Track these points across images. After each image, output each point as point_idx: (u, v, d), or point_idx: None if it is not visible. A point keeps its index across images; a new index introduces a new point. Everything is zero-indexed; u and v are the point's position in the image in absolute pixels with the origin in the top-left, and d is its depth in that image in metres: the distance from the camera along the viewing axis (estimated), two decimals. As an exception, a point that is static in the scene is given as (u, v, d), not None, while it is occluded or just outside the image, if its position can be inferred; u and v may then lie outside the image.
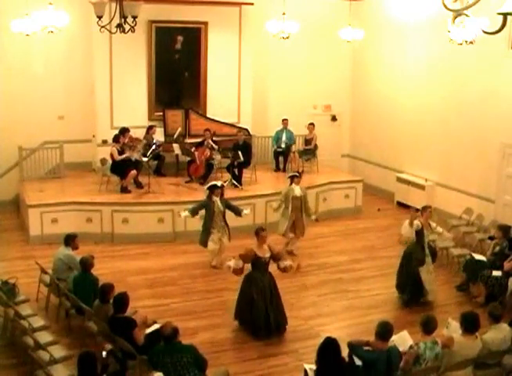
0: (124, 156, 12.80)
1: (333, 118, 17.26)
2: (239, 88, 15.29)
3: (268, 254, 8.58)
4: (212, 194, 10.69)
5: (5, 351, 7.79)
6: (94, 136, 14.49)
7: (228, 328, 8.70)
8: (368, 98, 16.60)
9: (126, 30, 7.98)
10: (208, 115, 14.91)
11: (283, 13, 13.75)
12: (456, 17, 4.84)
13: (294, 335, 8.56)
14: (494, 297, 9.16)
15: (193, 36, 14.71)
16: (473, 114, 12.84)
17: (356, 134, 17.30)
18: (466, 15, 4.65)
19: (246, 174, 13.92)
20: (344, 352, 6.46)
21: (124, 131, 13.22)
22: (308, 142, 15.33)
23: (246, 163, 13.79)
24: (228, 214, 10.99)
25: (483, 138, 12.59)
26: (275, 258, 8.70)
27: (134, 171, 12.86)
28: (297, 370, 7.26)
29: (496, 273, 9.46)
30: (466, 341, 6.57)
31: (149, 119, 14.61)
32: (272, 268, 8.81)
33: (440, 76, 13.84)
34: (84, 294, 7.98)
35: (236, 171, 13.53)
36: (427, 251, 9.58)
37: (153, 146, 13.16)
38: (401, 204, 14.93)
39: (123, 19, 7.94)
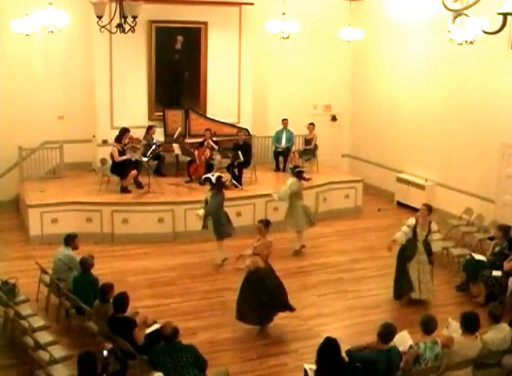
0: (124, 158, 12.79)
1: (333, 118, 17.26)
2: (239, 88, 15.29)
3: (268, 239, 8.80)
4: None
5: (5, 351, 7.79)
6: (94, 136, 14.49)
7: (228, 328, 8.70)
8: (368, 98, 16.60)
9: (126, 30, 7.98)
10: (208, 115, 14.91)
11: (283, 13, 13.76)
12: (456, 17, 4.84)
13: (294, 335, 8.57)
14: (494, 297, 9.14)
15: (193, 36, 14.71)
16: (473, 114, 12.84)
17: (356, 134, 17.30)
18: (466, 15, 4.65)
19: (246, 174, 13.93)
20: (344, 352, 6.46)
21: (124, 131, 13.22)
22: (308, 142, 15.33)
23: (247, 163, 13.79)
24: (230, 213, 11.14)
25: (483, 138, 12.59)
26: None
27: (134, 171, 12.86)
28: (297, 370, 7.26)
29: (496, 273, 9.45)
30: (466, 341, 6.57)
31: (149, 119, 14.61)
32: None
33: (440, 76, 13.84)
34: (84, 294, 7.98)
35: (236, 171, 13.52)
36: (421, 249, 9.51)
37: (153, 146, 13.16)
38: (401, 204, 14.93)
39: (123, 19, 7.94)
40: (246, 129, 14.84)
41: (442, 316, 7.88)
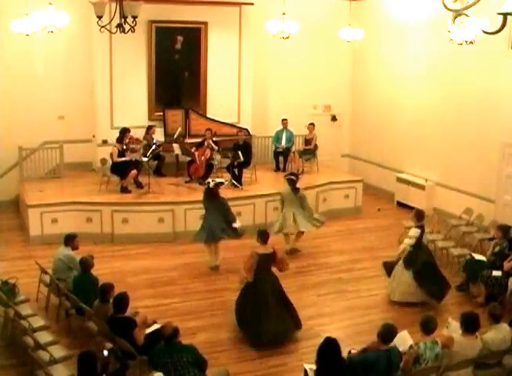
0: (123, 159, 12.79)
1: (333, 118, 17.26)
2: (239, 88, 15.29)
3: (271, 250, 8.43)
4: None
5: (5, 351, 7.79)
6: (94, 136, 14.49)
7: (229, 328, 8.70)
8: (368, 98, 16.60)
9: (126, 30, 7.98)
10: (208, 115, 14.91)
11: (283, 13, 13.76)
12: (456, 17, 4.84)
13: (294, 335, 8.56)
14: (494, 297, 9.14)
15: (193, 36, 14.71)
16: (473, 114, 12.84)
17: (356, 134, 17.30)
18: (466, 15, 4.65)
19: (247, 174, 13.92)
20: (344, 352, 6.46)
21: (124, 131, 13.22)
22: (308, 142, 15.33)
23: (247, 163, 13.78)
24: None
25: (483, 138, 12.58)
26: (276, 261, 8.48)
27: (134, 171, 12.85)
28: (297, 370, 7.26)
29: (496, 273, 9.45)
30: (466, 341, 6.57)
31: (149, 119, 14.61)
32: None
33: (440, 76, 13.83)
34: (84, 294, 7.98)
35: (236, 171, 13.52)
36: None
37: (153, 146, 13.16)
38: (401, 204, 14.93)
39: (123, 19, 7.94)
40: (247, 129, 14.84)
41: (442, 316, 7.89)
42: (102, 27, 7.80)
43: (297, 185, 11.58)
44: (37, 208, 11.99)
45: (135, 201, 12.46)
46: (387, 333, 6.30)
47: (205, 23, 14.62)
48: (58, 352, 6.99)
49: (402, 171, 15.17)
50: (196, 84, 15.02)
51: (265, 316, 8.15)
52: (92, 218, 12.10)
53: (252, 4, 14.71)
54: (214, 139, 13.92)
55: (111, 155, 12.85)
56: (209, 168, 13.59)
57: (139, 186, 13.13)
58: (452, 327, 7.03)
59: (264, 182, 13.99)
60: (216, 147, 13.69)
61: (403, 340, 6.69)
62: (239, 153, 13.39)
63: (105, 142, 14.08)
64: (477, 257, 10.05)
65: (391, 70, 15.63)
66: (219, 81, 14.94)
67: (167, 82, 14.77)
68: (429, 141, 14.29)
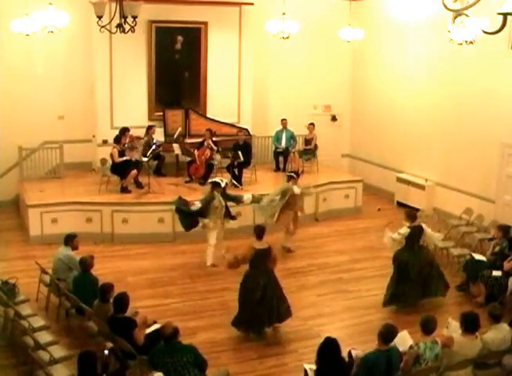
0: (123, 158, 12.79)
1: (333, 118, 17.26)
2: (239, 88, 15.29)
3: (266, 245, 8.51)
4: (214, 190, 10.78)
5: (5, 351, 7.79)
6: (94, 136, 14.49)
7: (228, 328, 8.68)
8: (368, 98, 16.60)
9: (126, 30, 7.99)
10: (208, 115, 14.91)
11: (283, 13, 13.76)
12: (456, 17, 4.84)
13: (294, 335, 8.57)
14: (494, 297, 9.15)
15: (193, 36, 14.71)
16: (473, 114, 12.84)
17: (356, 134, 17.30)
18: (466, 15, 4.65)
19: (247, 174, 13.93)
20: (344, 352, 6.46)
21: (124, 131, 13.22)
22: (308, 142, 15.33)
23: (247, 163, 13.79)
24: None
25: (483, 138, 12.58)
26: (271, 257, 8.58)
27: (134, 171, 12.85)
28: (297, 370, 7.26)
29: (496, 273, 9.45)
30: (466, 341, 6.57)
31: (149, 119, 14.60)
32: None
33: (440, 76, 13.83)
34: (84, 294, 7.98)
35: (236, 171, 13.53)
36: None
37: (153, 146, 13.16)
38: (401, 204, 14.92)
39: (123, 19, 7.95)
40: (247, 129, 14.84)
41: (442, 316, 7.89)
42: (102, 27, 7.80)
43: (297, 184, 11.59)
44: (37, 208, 12.00)
45: (135, 201, 12.46)
46: (388, 333, 6.29)
47: (205, 23, 14.62)
48: (58, 352, 6.99)
49: (402, 171, 15.17)
50: (196, 84, 15.02)
51: (252, 307, 8.32)
52: (92, 218, 12.10)
53: (252, 4, 14.71)
54: (214, 139, 13.92)
55: (111, 156, 12.85)
56: (209, 168, 13.59)
57: (139, 186, 13.13)
58: (452, 327, 7.04)
59: (264, 182, 13.99)
60: (215, 147, 13.69)
61: (403, 340, 6.69)
62: (239, 153, 13.40)
63: (105, 142, 14.08)
64: (477, 257, 10.05)
65: (391, 70, 15.62)
66: (219, 81, 14.94)
67: (167, 82, 14.77)
68: (429, 141, 14.29)
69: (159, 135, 14.18)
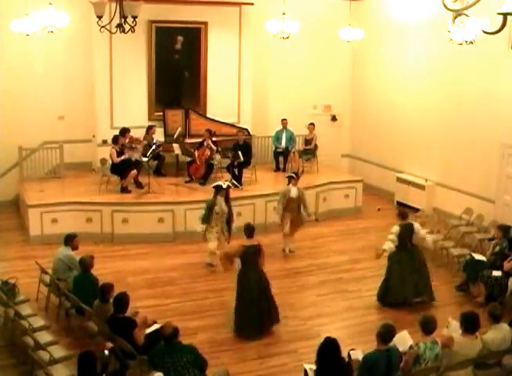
0: (122, 158, 12.79)
1: (333, 118, 17.26)
2: (239, 88, 15.29)
3: (256, 242, 8.72)
4: (217, 194, 10.66)
5: (5, 351, 7.79)
6: (94, 136, 14.49)
7: (229, 328, 8.70)
8: (368, 98, 16.60)
9: (126, 30, 7.98)
10: (208, 115, 14.91)
11: (283, 13, 13.75)
12: (456, 17, 4.84)
13: (294, 335, 8.57)
14: (494, 297, 9.16)
15: (193, 36, 14.71)
16: (473, 114, 12.84)
17: (356, 134, 17.30)
18: (466, 15, 4.65)
19: (247, 174, 13.92)
20: (344, 352, 6.46)
21: (124, 131, 13.22)
22: (308, 142, 15.33)
23: (247, 163, 13.78)
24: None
25: (483, 138, 12.58)
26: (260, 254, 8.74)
27: (134, 171, 12.85)
28: (297, 370, 7.26)
29: (496, 273, 9.45)
30: (466, 341, 6.57)
31: (149, 119, 14.60)
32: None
33: (440, 76, 13.83)
34: (84, 294, 7.97)
35: (236, 171, 13.52)
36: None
37: (153, 146, 13.16)
38: (401, 204, 14.91)
39: (123, 19, 7.94)
40: (247, 129, 14.84)
41: (442, 316, 7.89)
42: (102, 27, 7.80)
43: (297, 184, 11.51)
44: (37, 208, 12.00)
45: (135, 201, 12.46)
46: (387, 333, 6.30)
47: (205, 23, 14.62)
48: (58, 352, 6.99)
49: (402, 171, 15.17)
50: (196, 84, 15.02)
51: (244, 304, 8.49)
52: (92, 218, 12.10)
53: (252, 4, 14.71)
54: (214, 139, 13.91)
55: (110, 156, 12.85)
56: (209, 168, 13.59)
57: (139, 186, 13.13)
58: (452, 327, 7.03)
59: (264, 182, 13.99)
60: (215, 147, 13.68)
61: (403, 340, 6.69)
62: (239, 153, 13.40)
63: (105, 142, 14.06)
64: (477, 257, 10.05)
65: (391, 70, 15.62)
66: (219, 81, 14.94)
67: (167, 82, 14.77)
68: (429, 141, 14.29)
69: (159, 135, 14.17)
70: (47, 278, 9.05)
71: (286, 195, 11.33)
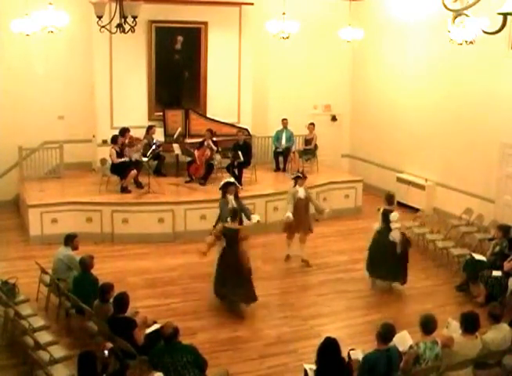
0: (122, 160, 12.78)
1: (333, 118, 17.27)
2: (239, 88, 15.29)
3: (236, 226, 9.26)
4: (226, 193, 10.40)
5: (5, 351, 7.78)
6: (94, 136, 14.49)
7: (229, 328, 8.71)
8: (368, 98, 16.60)
9: (126, 30, 7.98)
10: (208, 115, 14.91)
11: (283, 13, 13.75)
12: (456, 17, 4.84)
13: (294, 335, 8.57)
14: (494, 297, 9.16)
15: (193, 36, 14.71)
16: (473, 114, 12.84)
17: (356, 134, 17.30)
18: (466, 15, 4.65)
19: (247, 174, 13.92)
20: (344, 352, 6.46)
21: (124, 131, 13.23)
22: (308, 142, 15.32)
23: (247, 163, 13.78)
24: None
25: (483, 138, 12.58)
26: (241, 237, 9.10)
27: (134, 171, 12.85)
28: (297, 370, 7.25)
29: (496, 273, 9.45)
30: (466, 341, 6.57)
31: (149, 119, 14.60)
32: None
33: (440, 76, 13.83)
34: (84, 294, 7.97)
35: (236, 171, 13.52)
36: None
37: (153, 146, 13.16)
38: (401, 204, 14.91)
39: (123, 19, 7.94)
40: (247, 129, 14.84)
41: (442, 316, 7.87)
42: (102, 27, 7.79)
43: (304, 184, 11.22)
44: (38, 208, 11.99)
45: (135, 201, 12.46)
46: (386, 332, 6.29)
47: (205, 23, 14.63)
48: (58, 352, 6.99)
49: (402, 171, 15.17)
50: (196, 84, 15.02)
51: (223, 281, 9.20)
52: (92, 218, 12.09)
53: (252, 4, 14.71)
54: (214, 139, 13.91)
55: (110, 157, 12.85)
56: (209, 168, 13.59)
57: (139, 186, 13.13)
58: (452, 327, 7.03)
59: (264, 182, 13.99)
60: (215, 148, 13.68)
61: (403, 340, 6.68)
62: (239, 153, 13.39)
63: (105, 142, 14.05)
64: (477, 257, 10.06)
65: (391, 70, 15.63)
66: (219, 81, 14.94)
67: (167, 82, 14.77)
68: (429, 141, 14.29)
69: (159, 135, 14.17)
70: (47, 278, 9.05)
71: (295, 196, 10.99)
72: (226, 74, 15.08)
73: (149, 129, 13.94)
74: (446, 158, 13.78)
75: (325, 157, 15.75)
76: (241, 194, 12.81)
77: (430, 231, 12.05)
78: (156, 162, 13.99)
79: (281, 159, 15.21)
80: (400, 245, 9.86)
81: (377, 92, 16.16)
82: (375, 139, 16.33)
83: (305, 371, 6.54)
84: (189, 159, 13.88)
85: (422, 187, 14.31)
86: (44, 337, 7.34)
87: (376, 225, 10.21)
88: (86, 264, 8.32)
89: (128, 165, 12.82)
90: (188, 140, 14.51)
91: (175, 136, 14.15)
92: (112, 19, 7.89)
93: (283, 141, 15.23)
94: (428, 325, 6.49)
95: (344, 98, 17.08)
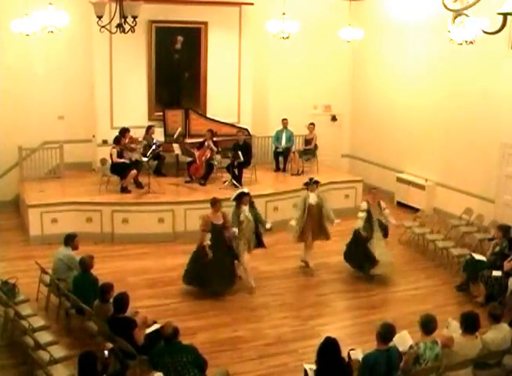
0: (122, 160, 12.79)
1: (333, 118, 17.27)
2: (239, 88, 15.29)
3: (221, 221, 9.66)
4: (241, 203, 9.98)
5: (5, 351, 7.78)
6: (94, 136, 14.48)
7: (229, 328, 8.71)
8: (368, 98, 16.60)
9: (126, 30, 7.98)
10: (208, 115, 14.91)
11: (283, 13, 13.76)
12: (456, 17, 4.84)
13: (294, 335, 8.57)
14: (494, 297, 9.16)
15: (193, 36, 14.71)
16: (473, 114, 12.84)
17: (356, 134, 17.30)
18: (466, 15, 4.65)
19: (247, 174, 13.91)
20: (344, 352, 6.46)
21: (124, 131, 13.22)
22: (308, 142, 15.31)
23: (247, 163, 13.77)
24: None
25: (483, 138, 12.59)
26: (224, 225, 9.69)
27: (134, 171, 12.85)
28: (297, 370, 7.26)
29: (496, 273, 9.45)
30: (466, 341, 6.57)
31: (149, 119, 14.60)
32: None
33: (440, 76, 13.84)
34: (84, 294, 7.97)
35: (236, 171, 13.51)
36: (376, 227, 10.52)
37: (153, 146, 13.16)
38: (401, 204, 14.93)
39: (123, 19, 7.94)
40: (247, 129, 14.84)
41: (442, 316, 7.86)
42: (102, 27, 7.79)
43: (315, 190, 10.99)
44: (37, 208, 11.99)
45: (135, 201, 12.46)
46: (386, 332, 6.28)
47: (205, 23, 14.63)
48: (58, 352, 6.99)
49: (402, 171, 15.17)
50: (196, 84, 15.02)
51: (211, 274, 9.54)
52: (92, 218, 12.09)
53: (252, 4, 14.71)
54: (215, 139, 13.91)
55: (111, 156, 12.86)
56: (209, 168, 13.59)
57: (139, 186, 13.13)
58: (452, 327, 7.03)
59: (264, 182, 13.99)
60: (215, 148, 13.67)
61: (403, 340, 6.68)
62: (239, 153, 13.39)
63: (105, 142, 14.07)
64: (477, 257, 10.06)
65: (391, 70, 15.63)
66: (219, 81, 14.94)
67: (167, 82, 14.77)
68: (429, 141, 14.30)
69: (159, 135, 14.17)
70: (47, 278, 9.04)
71: (305, 202, 10.71)
72: (226, 74, 15.08)
73: (149, 129, 13.94)
74: (446, 158, 13.78)
75: (325, 157, 15.75)
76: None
77: (430, 231, 12.05)
78: (156, 162, 13.99)
79: (281, 159, 15.21)
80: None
81: (377, 92, 16.16)
82: (375, 139, 16.33)
83: (305, 371, 6.54)
84: (189, 159, 13.88)
85: (422, 187, 14.31)
86: (44, 337, 7.34)
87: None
88: (86, 264, 8.32)
89: (128, 165, 12.83)
90: (188, 140, 14.51)
91: (175, 136, 14.15)
92: (112, 19, 7.89)
93: (283, 141, 15.22)
94: (428, 325, 6.49)
95: (344, 98, 17.08)
